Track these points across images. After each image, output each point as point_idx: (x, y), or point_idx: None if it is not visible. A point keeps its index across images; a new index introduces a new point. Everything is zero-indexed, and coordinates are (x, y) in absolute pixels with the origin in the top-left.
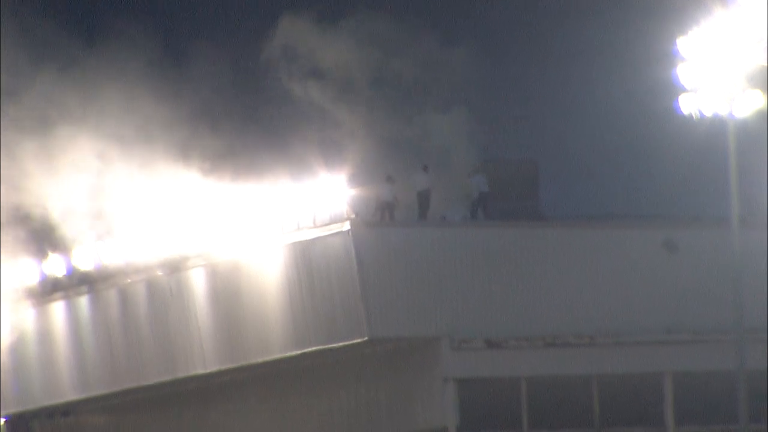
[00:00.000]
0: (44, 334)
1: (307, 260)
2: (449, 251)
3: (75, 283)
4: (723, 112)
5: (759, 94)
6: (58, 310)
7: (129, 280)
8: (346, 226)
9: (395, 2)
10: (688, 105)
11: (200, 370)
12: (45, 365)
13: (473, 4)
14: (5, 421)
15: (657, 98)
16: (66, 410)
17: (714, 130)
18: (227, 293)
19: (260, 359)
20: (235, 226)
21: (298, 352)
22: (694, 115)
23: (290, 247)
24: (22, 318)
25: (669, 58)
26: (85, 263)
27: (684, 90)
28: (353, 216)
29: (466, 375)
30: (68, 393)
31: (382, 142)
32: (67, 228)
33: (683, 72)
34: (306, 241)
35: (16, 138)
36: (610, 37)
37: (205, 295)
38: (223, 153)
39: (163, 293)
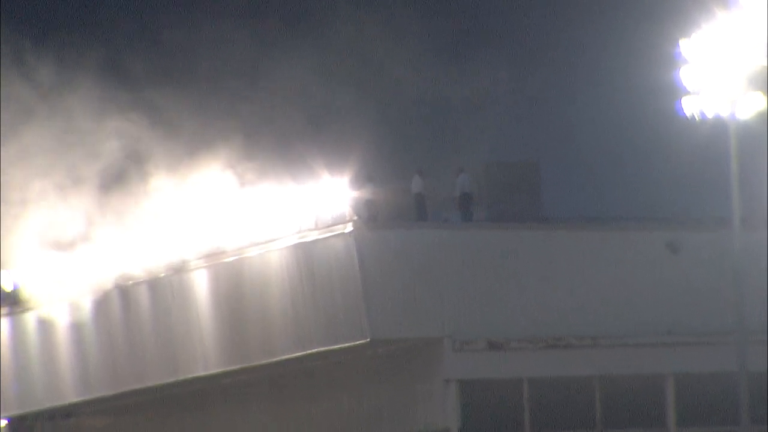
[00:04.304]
0: (46, 336)
1: (309, 262)
2: (451, 253)
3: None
4: (725, 114)
5: (760, 96)
6: (60, 311)
7: (131, 282)
8: (349, 227)
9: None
10: (690, 107)
11: (202, 372)
12: (46, 367)
13: (473, 5)
14: (6, 423)
15: (659, 100)
16: (67, 412)
17: (716, 132)
18: (229, 294)
19: (262, 361)
20: (237, 228)
21: (300, 353)
22: (695, 117)
23: (292, 248)
24: (23, 320)
25: (671, 60)
26: (86, 264)
27: (686, 92)
28: (355, 218)
29: (468, 376)
30: (70, 395)
31: (382, 143)
32: (67, 230)
33: (685, 74)
34: (308, 242)
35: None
36: (612, 39)
37: (207, 297)
38: (226, 155)
39: (166, 295)
